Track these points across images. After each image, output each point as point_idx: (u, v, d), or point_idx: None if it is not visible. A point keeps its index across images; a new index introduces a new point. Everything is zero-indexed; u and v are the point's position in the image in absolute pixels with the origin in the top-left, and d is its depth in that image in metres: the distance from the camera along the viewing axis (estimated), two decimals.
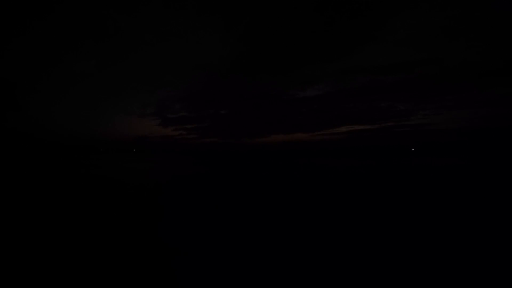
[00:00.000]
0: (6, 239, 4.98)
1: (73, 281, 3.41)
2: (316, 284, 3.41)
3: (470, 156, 54.45)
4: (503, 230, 5.65)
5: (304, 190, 11.40)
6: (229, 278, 3.55)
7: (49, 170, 20.35)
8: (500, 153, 65.65)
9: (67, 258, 4.08)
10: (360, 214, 7.01)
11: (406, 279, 3.54)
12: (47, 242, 4.79)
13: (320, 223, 6.23)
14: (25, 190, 11.00)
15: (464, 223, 6.17)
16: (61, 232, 5.31)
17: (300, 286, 3.35)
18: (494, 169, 21.59)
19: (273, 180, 15.36)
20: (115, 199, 8.94)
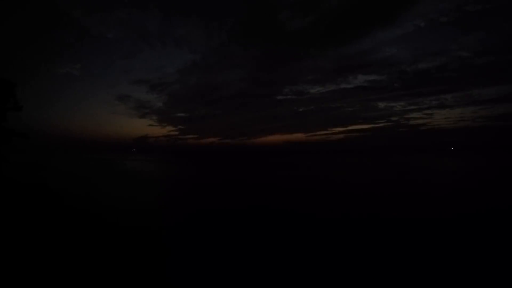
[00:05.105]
0: (6, 241, 5.00)
1: (73, 281, 3.41)
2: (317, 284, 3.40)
3: (472, 155, 54.19)
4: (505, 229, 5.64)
5: (304, 191, 11.37)
6: (230, 279, 3.54)
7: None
8: (500, 152, 65.38)
9: (74, 253, 4.08)
10: (363, 213, 6.99)
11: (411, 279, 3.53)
12: (47, 241, 4.79)
13: (322, 224, 6.22)
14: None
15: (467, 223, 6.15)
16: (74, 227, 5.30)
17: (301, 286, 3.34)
18: (495, 169, 21.49)
19: (271, 181, 15.27)
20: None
